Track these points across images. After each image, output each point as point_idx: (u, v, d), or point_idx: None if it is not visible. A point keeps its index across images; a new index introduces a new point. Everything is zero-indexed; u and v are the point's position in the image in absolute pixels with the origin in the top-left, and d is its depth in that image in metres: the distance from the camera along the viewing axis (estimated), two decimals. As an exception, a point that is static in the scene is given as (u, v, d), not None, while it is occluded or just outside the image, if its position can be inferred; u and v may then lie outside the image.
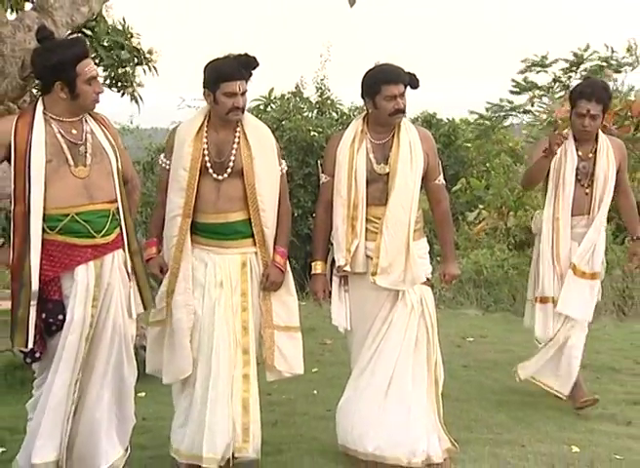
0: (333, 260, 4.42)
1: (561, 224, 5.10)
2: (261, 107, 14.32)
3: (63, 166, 3.56)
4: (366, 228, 4.31)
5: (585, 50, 15.56)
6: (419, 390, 4.32)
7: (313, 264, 4.48)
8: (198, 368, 4.15)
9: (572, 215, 5.11)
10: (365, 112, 4.46)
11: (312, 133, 13.24)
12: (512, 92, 16.38)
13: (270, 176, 4.24)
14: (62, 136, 3.58)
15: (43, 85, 3.63)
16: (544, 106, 14.83)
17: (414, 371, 4.30)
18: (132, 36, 7.25)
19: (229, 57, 4.16)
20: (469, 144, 17.69)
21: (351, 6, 5.65)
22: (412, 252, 4.27)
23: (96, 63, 5.05)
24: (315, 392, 5.80)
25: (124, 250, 3.71)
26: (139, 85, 7.38)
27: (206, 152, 4.16)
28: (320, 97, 14.51)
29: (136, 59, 7.22)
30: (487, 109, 16.85)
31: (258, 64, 4.15)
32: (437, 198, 4.56)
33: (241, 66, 4.13)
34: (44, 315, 3.54)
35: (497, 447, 4.63)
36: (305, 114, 14.16)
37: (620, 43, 16.42)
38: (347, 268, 4.31)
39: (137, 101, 7.42)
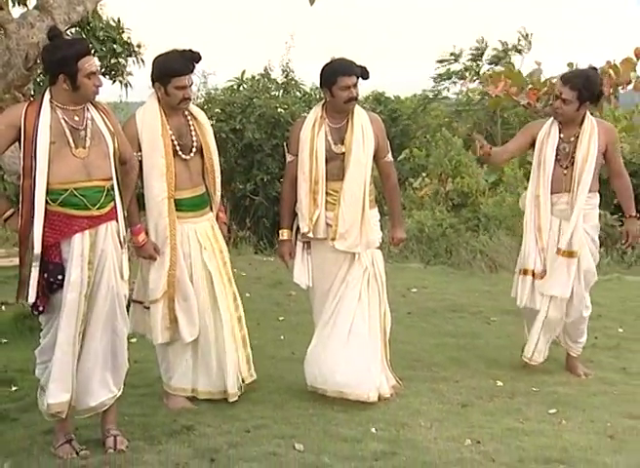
0: (297, 228, 4.47)
1: (541, 201, 4.77)
2: (235, 87, 14.24)
3: (65, 147, 3.54)
4: (326, 200, 4.35)
5: (483, 42, 16.09)
6: (374, 339, 4.40)
7: (280, 231, 4.54)
8: (203, 320, 4.25)
9: (551, 193, 4.77)
10: (323, 100, 4.48)
11: (279, 109, 13.28)
12: (433, 88, 16.97)
13: (216, 150, 4.34)
14: (66, 121, 3.56)
15: (50, 77, 3.60)
16: (463, 90, 15.48)
17: (369, 323, 4.38)
18: (123, 31, 7.19)
19: (174, 51, 4.13)
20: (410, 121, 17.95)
21: (311, 5, 5.61)
22: (366, 219, 4.33)
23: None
24: (282, 337, 5.84)
25: (117, 221, 3.71)
26: (129, 74, 7.34)
27: (173, 137, 4.16)
28: (285, 78, 14.50)
29: (126, 52, 7.18)
30: (409, 99, 17.22)
31: (201, 58, 4.14)
32: (387, 173, 4.60)
33: (188, 61, 4.11)
34: (45, 275, 3.53)
35: (434, 383, 4.73)
36: (273, 93, 14.17)
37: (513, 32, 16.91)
38: (310, 234, 4.37)
39: (126, 87, 7.39)
